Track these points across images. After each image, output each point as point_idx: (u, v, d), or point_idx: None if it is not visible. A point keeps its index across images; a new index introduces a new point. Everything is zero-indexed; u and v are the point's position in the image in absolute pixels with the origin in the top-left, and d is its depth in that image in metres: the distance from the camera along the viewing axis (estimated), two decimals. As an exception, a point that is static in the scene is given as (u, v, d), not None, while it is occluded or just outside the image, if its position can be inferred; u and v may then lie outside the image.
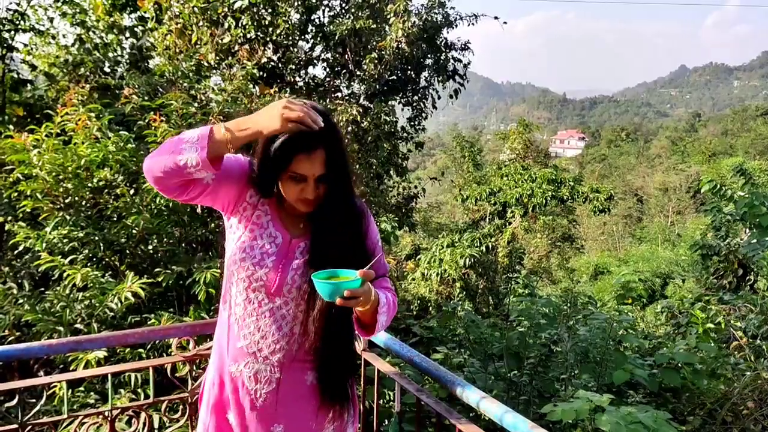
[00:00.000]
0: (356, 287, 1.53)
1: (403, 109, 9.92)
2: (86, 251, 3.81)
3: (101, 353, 3.19)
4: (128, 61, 7.11)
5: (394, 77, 9.29)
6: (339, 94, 9.22)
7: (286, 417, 1.81)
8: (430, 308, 10.62)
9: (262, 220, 1.82)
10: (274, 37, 7.92)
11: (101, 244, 3.80)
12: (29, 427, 2.22)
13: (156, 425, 2.70)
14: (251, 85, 5.64)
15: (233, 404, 1.83)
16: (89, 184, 3.91)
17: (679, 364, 4.61)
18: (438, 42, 9.55)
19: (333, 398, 1.83)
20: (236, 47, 7.44)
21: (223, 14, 7.54)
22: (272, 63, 8.14)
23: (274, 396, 1.79)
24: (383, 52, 8.48)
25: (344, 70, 9.16)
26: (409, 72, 9.51)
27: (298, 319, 1.77)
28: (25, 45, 6.70)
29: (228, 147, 1.63)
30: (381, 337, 2.54)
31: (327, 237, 1.76)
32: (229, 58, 7.28)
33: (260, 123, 1.60)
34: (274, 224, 1.82)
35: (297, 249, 1.79)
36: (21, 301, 3.60)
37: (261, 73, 7.64)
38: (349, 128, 7.76)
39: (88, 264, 3.79)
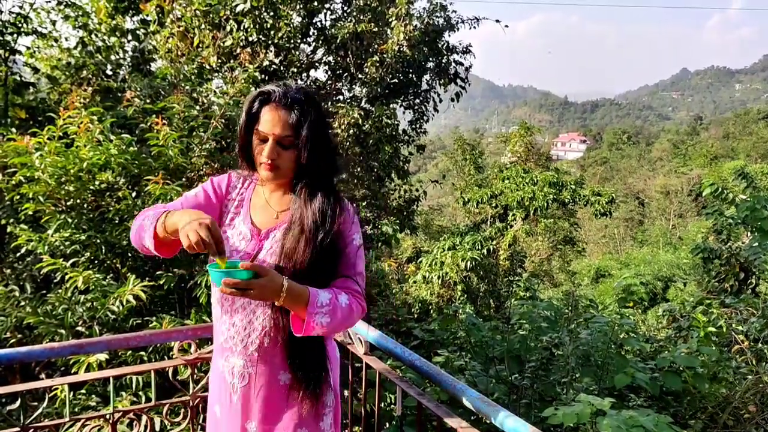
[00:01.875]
0: (242, 278, 1.54)
1: (404, 112, 9.94)
2: (88, 254, 3.81)
3: (103, 356, 3.19)
4: (130, 64, 7.12)
5: (396, 80, 9.31)
6: (341, 97, 9.23)
7: (260, 414, 1.84)
8: (432, 311, 10.61)
9: (235, 221, 1.92)
10: (275, 40, 7.93)
11: (103, 247, 3.81)
12: (31, 430, 2.22)
13: (157, 428, 2.70)
14: (253, 88, 5.63)
15: (218, 398, 1.92)
16: (91, 187, 3.91)
17: (681, 368, 4.61)
18: (439, 45, 9.57)
19: (305, 400, 1.82)
20: (238, 50, 7.45)
21: (224, 17, 7.55)
22: (274, 66, 8.15)
23: (248, 391, 1.84)
24: (385, 56, 8.50)
25: (346, 73, 9.17)
26: (410, 75, 9.52)
27: (267, 314, 1.81)
28: (28, 48, 6.71)
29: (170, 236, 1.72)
30: (382, 340, 2.54)
31: (293, 231, 1.79)
32: (231, 61, 7.29)
33: (178, 224, 1.64)
34: (245, 221, 1.90)
35: (266, 241, 1.84)
36: (23, 303, 3.60)
37: (263, 76, 7.65)
38: (351, 131, 7.77)
39: (90, 267, 3.79)
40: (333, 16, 9.18)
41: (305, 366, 1.82)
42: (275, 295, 1.62)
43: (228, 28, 7.53)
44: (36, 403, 2.40)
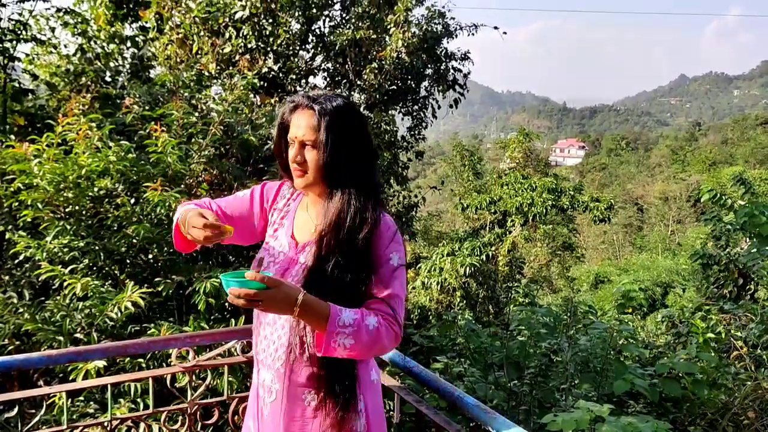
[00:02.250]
0: (250, 288, 1.48)
1: (403, 119, 9.96)
2: (86, 260, 3.81)
3: (101, 363, 3.19)
4: (129, 70, 7.13)
5: (395, 87, 9.32)
6: (339, 104, 9.23)
7: None
8: (431, 317, 10.60)
9: (278, 231, 1.90)
10: (274, 47, 7.95)
11: (101, 254, 3.80)
12: (28, 437, 2.22)
13: (155, 435, 2.69)
14: (252, 95, 5.66)
15: (252, 412, 1.90)
16: (90, 194, 3.91)
17: (680, 374, 4.60)
18: (438, 52, 9.59)
19: (330, 425, 1.73)
20: (237, 57, 7.46)
21: (224, 24, 7.57)
22: (273, 73, 8.17)
23: (276, 407, 1.79)
24: (383, 62, 8.52)
25: (345, 80, 9.19)
26: (409, 82, 9.54)
27: (294, 329, 1.75)
28: (27, 55, 6.72)
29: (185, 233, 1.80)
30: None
31: (324, 244, 1.72)
32: (230, 68, 7.30)
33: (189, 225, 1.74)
34: (287, 233, 1.87)
35: (301, 254, 1.80)
36: (21, 310, 3.59)
37: (262, 83, 7.66)
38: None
39: (89, 273, 3.79)
40: (332, 23, 9.22)
41: (330, 388, 1.72)
42: (288, 309, 1.55)
43: (227, 35, 7.55)
44: (34, 411, 2.39)
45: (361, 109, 8.79)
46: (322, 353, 1.62)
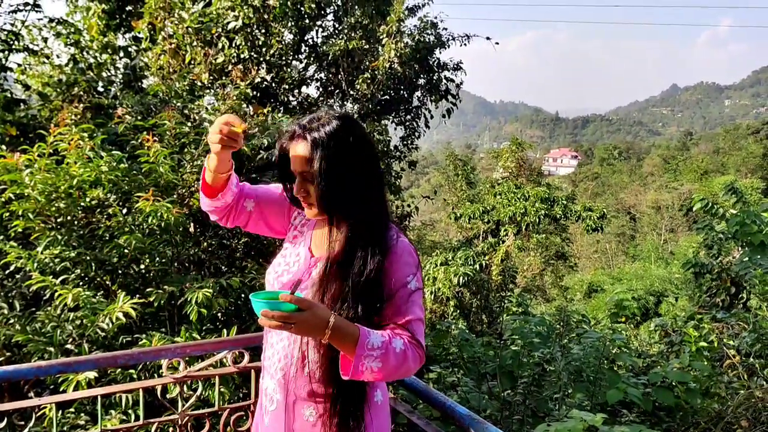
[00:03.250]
0: (284, 310, 1.44)
1: (396, 129, 9.97)
2: (78, 271, 3.79)
3: (92, 374, 3.17)
4: (122, 80, 7.13)
5: (387, 97, 9.35)
6: (332, 114, 9.24)
7: None
8: (424, 327, 10.57)
9: (298, 240, 1.91)
10: (267, 57, 7.96)
11: (93, 264, 3.79)
12: (18, 449, 2.20)
13: (146, 447, 2.67)
14: (245, 105, 5.66)
15: (259, 417, 1.90)
16: (81, 204, 3.90)
17: (673, 383, 4.61)
18: (430, 62, 9.62)
19: None
20: (230, 67, 7.47)
21: (216, 34, 7.58)
22: (266, 83, 8.17)
23: (276, 416, 1.78)
24: (376, 72, 8.54)
25: (337, 90, 9.21)
26: (401, 92, 9.56)
27: (298, 342, 1.73)
28: (19, 65, 6.71)
29: (213, 172, 1.79)
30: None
31: (333, 262, 1.68)
32: (223, 78, 7.30)
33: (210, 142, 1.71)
34: (305, 243, 1.87)
35: (314, 269, 1.77)
36: (12, 321, 3.57)
37: (254, 92, 7.66)
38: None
39: (80, 284, 3.77)
40: (324, 34, 9.24)
41: (333, 407, 1.68)
42: (319, 332, 1.49)
43: (220, 45, 7.56)
44: (23, 423, 2.37)
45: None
46: (349, 377, 1.56)
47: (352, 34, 8.67)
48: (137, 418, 2.79)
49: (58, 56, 6.99)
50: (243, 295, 4.09)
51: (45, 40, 6.92)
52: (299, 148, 1.68)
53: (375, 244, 1.67)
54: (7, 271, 4.06)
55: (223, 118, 1.67)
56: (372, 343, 1.54)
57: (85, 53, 6.99)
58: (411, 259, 1.71)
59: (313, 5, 7.87)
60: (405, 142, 10.13)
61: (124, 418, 3.23)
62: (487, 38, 10.65)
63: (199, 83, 6.77)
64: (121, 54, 7.28)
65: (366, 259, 1.65)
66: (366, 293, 1.64)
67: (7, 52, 6.32)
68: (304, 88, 9.17)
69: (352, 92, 8.91)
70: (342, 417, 1.68)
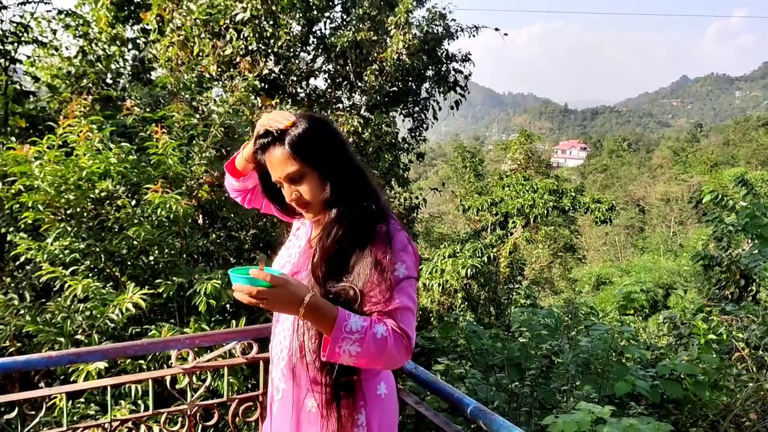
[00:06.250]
0: (257, 285, 1.46)
1: (404, 120, 9.97)
2: (87, 262, 3.81)
3: (101, 364, 3.19)
4: (130, 72, 7.15)
5: (395, 88, 9.33)
6: (340, 106, 9.26)
7: None
8: (432, 319, 10.60)
9: (300, 230, 1.96)
10: (275, 49, 7.96)
11: (102, 255, 3.81)
12: (29, 439, 2.22)
13: (156, 437, 2.69)
14: (253, 97, 5.66)
15: (268, 407, 1.93)
16: (91, 196, 3.92)
17: (681, 376, 4.60)
18: (439, 53, 9.60)
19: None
20: (238, 59, 7.48)
21: (224, 26, 7.58)
22: (274, 74, 8.18)
23: (282, 407, 1.80)
24: (384, 64, 8.53)
25: (345, 82, 9.20)
26: (410, 83, 9.55)
27: (297, 332, 1.74)
28: (28, 57, 6.74)
29: (246, 160, 1.91)
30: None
31: (321, 251, 1.70)
32: (231, 69, 7.32)
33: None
34: (306, 233, 1.91)
35: (311, 258, 1.76)
36: (22, 312, 3.60)
37: (262, 84, 7.68)
38: (351, 139, 7.78)
39: (89, 275, 3.79)
40: (332, 25, 9.22)
41: (327, 397, 1.69)
42: (293, 309, 1.51)
43: (228, 37, 7.56)
44: (34, 412, 2.39)
45: (362, 110, 8.81)
46: (326, 358, 1.56)
47: (360, 26, 8.65)
48: (147, 408, 2.81)
49: (67, 48, 7.01)
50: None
51: (54, 32, 6.93)
52: (276, 154, 1.70)
53: (360, 228, 1.69)
54: (17, 263, 4.09)
55: (280, 113, 1.72)
56: (351, 326, 1.53)
57: (93, 45, 7.00)
58: (401, 247, 1.70)
59: (321, -4, 7.86)
60: (413, 134, 10.13)
61: (134, 408, 3.26)
62: (496, 29, 10.60)
63: (207, 75, 6.78)
64: (130, 46, 7.29)
65: (345, 243, 1.68)
66: (332, 255, 1.67)
67: (16, 44, 6.33)
68: (312, 80, 9.17)
69: (360, 84, 8.90)
70: (336, 405, 1.68)
